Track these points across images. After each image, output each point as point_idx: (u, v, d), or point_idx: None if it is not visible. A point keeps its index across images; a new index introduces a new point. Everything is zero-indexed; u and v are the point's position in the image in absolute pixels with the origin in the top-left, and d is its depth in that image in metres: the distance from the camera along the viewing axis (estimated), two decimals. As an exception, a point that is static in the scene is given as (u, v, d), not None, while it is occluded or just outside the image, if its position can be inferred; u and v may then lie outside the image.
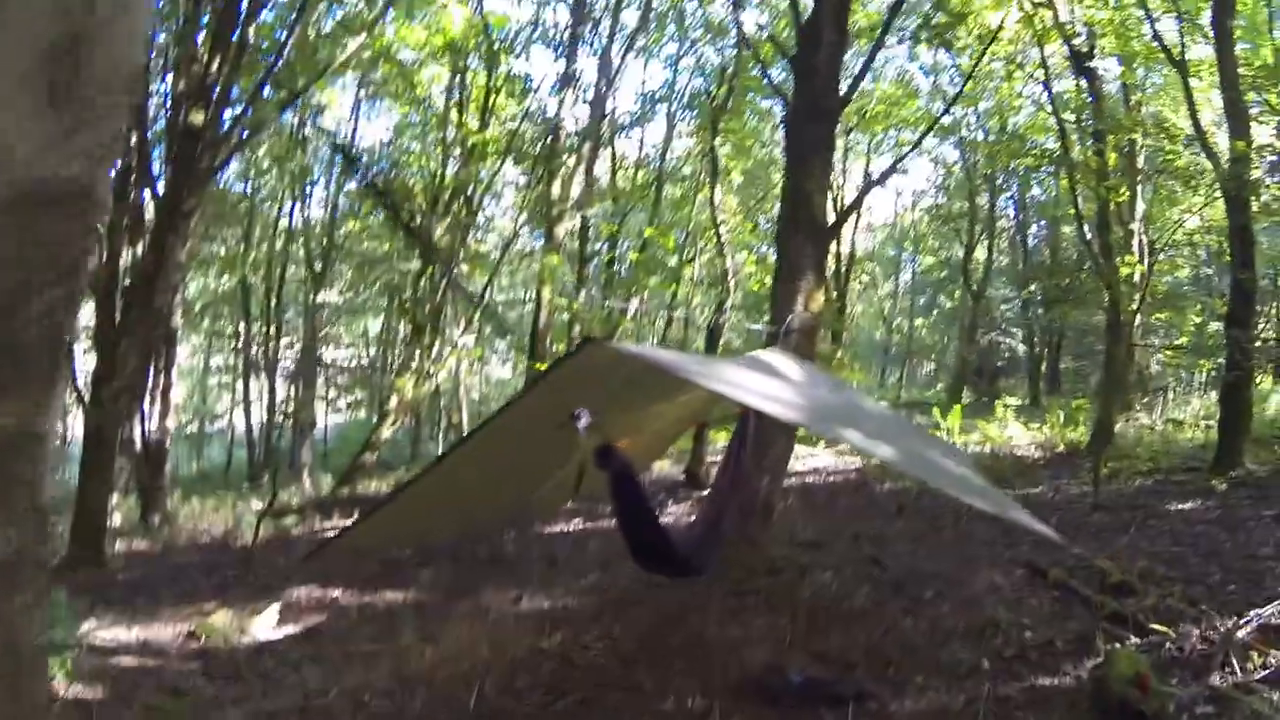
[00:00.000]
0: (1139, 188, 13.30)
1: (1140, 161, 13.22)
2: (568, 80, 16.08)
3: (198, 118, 8.77)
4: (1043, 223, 22.79)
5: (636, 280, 20.08)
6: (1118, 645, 4.59)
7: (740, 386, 3.78)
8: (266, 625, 7.01)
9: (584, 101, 17.29)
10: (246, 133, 9.85)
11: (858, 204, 8.77)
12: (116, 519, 12.25)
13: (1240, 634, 4.46)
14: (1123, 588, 5.40)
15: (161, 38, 10.65)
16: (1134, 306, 11.78)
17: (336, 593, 8.02)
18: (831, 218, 8.61)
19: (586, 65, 20.68)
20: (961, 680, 4.52)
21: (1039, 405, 17.64)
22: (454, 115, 16.71)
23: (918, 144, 12.66)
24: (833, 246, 23.15)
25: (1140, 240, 13.42)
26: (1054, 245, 21.73)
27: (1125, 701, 3.84)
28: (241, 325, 20.92)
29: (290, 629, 6.96)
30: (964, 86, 11.20)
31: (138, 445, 12.91)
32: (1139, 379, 15.05)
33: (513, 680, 5.21)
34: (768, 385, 4.07)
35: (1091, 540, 7.19)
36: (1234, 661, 4.20)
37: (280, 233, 19.28)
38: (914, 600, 5.99)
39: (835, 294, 21.86)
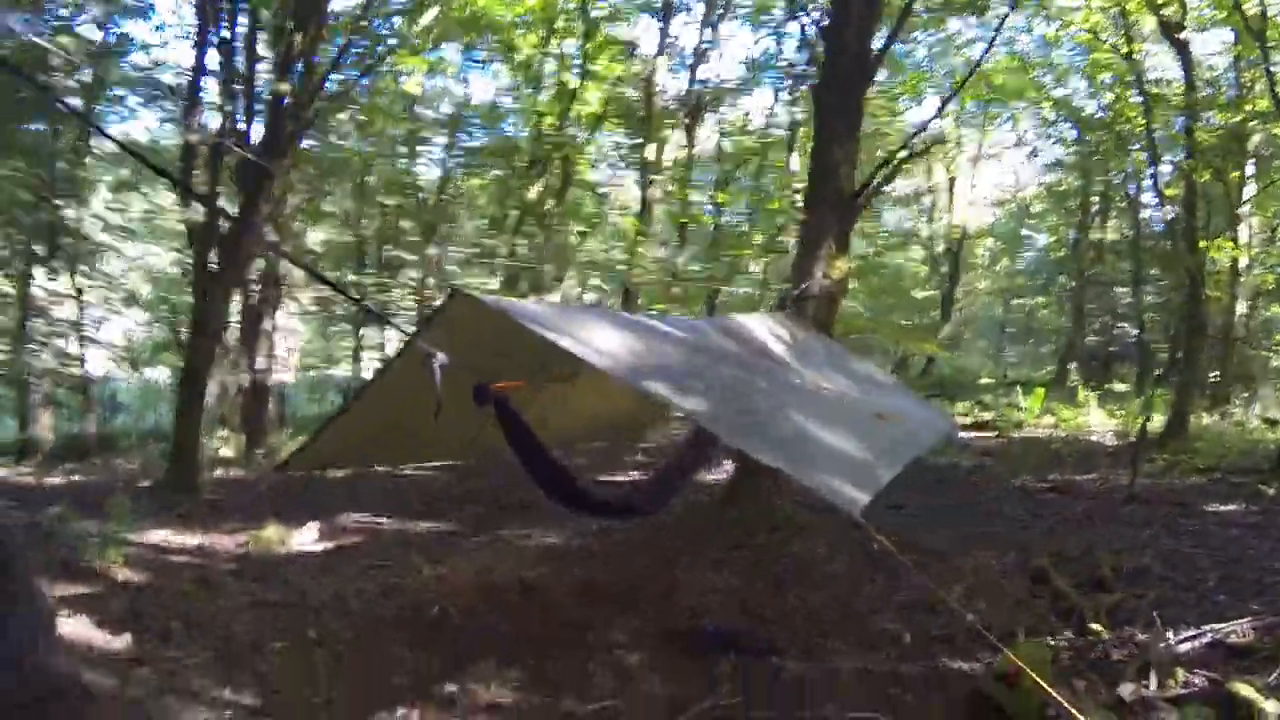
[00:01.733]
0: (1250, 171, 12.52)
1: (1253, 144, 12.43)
2: (664, 44, 16.37)
3: (283, 87, 9.58)
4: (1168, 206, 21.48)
5: (736, 244, 20.29)
6: (1049, 639, 4.53)
7: (579, 339, 3.98)
8: (307, 540, 7.84)
9: (685, 66, 17.52)
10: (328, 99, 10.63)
11: (885, 178, 8.68)
12: (228, 451, 13.57)
13: (1184, 648, 4.29)
14: (1101, 583, 5.34)
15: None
16: (1219, 295, 11.18)
17: (384, 520, 8.80)
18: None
19: (687, 31, 20.75)
20: (875, 651, 4.67)
21: (1141, 394, 16.91)
22: (552, 79, 17.29)
23: (939, 112, 12.10)
24: (944, 219, 22.97)
25: (1248, 227, 12.66)
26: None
27: (991, 695, 3.82)
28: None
29: (326, 545, 7.76)
30: (986, 52, 10.68)
31: (245, 386, 14.22)
32: (1241, 373, 14.23)
33: (475, 602, 5.74)
34: (614, 336, 4.29)
35: (1111, 530, 7.12)
36: (1153, 675, 4.01)
37: (394, 188, 20.37)
38: (888, 571, 6.07)
39: (945, 268, 21.44)
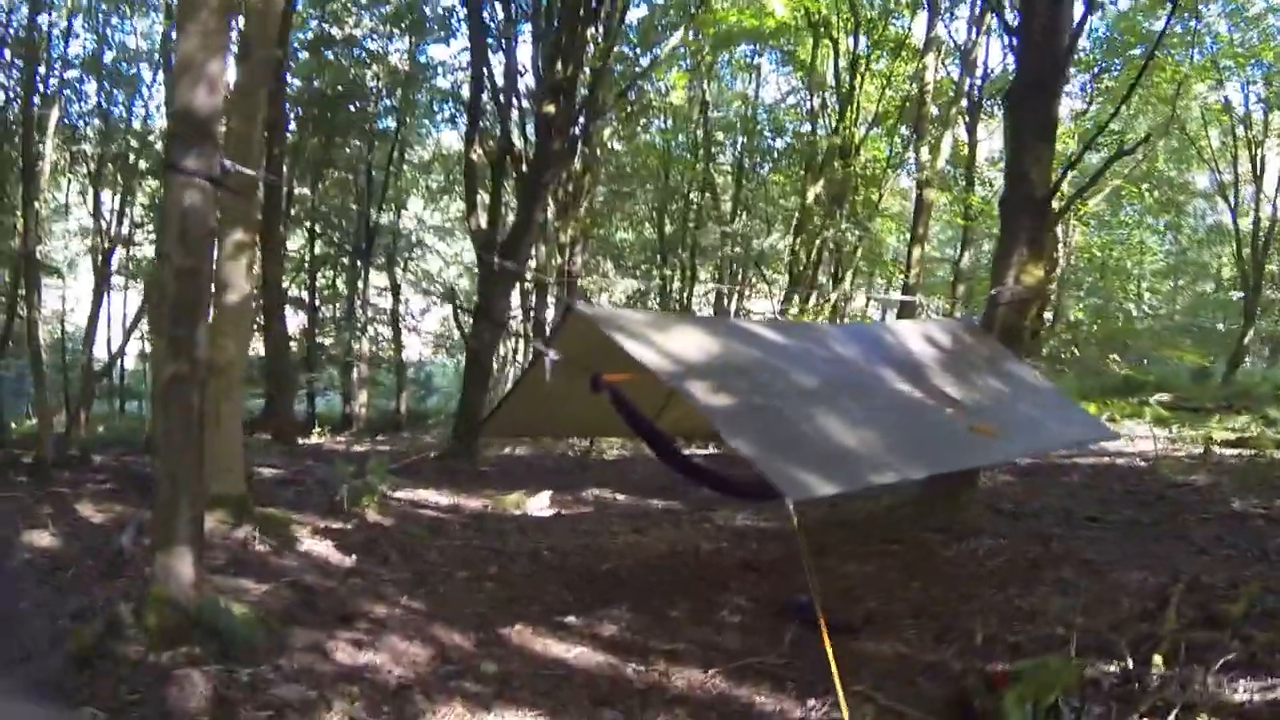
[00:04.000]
0: None
1: None
2: (930, 43, 16.20)
3: (549, 109, 11.09)
4: None
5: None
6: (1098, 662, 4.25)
7: (651, 344, 4.72)
8: (539, 507, 9.21)
9: (956, 63, 17.16)
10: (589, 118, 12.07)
11: (1088, 183, 8.11)
12: (516, 431, 15.57)
13: (1240, 697, 3.79)
14: (1213, 618, 4.70)
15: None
16: None
17: (619, 496, 9.97)
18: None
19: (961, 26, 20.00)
20: (941, 643, 4.86)
21: None
22: (830, 81, 17.74)
23: (1124, 101, 10.07)
24: (1251, 212, 19.83)
25: None
26: None
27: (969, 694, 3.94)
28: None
29: (554, 511, 9.08)
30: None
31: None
32: None
33: (648, 562, 6.75)
34: (697, 343, 5.01)
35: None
36: (1173, 715, 3.63)
37: (692, 186, 21.73)
38: (1026, 580, 5.96)
39: (1250, 268, 18.87)
